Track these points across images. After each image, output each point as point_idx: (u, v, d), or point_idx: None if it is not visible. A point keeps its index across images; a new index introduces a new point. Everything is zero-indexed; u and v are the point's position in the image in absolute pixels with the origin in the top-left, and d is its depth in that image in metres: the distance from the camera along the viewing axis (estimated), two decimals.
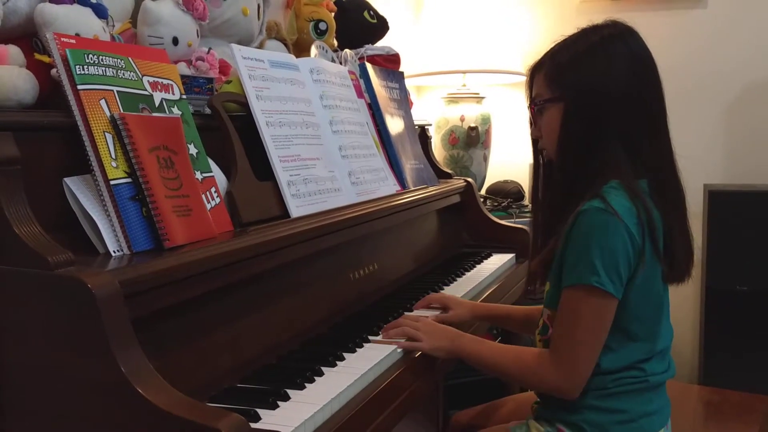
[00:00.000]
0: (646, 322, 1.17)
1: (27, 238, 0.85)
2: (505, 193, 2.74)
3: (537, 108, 1.24)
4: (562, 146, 1.21)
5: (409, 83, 2.12)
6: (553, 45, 1.24)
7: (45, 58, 1.02)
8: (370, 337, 1.25)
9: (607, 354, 1.16)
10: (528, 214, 2.60)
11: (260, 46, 1.58)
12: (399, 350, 1.21)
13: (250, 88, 1.32)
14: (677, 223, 1.19)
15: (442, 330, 1.30)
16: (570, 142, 1.20)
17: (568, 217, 1.14)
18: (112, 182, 0.96)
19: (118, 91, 1.02)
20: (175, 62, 1.24)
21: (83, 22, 1.06)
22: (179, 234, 1.00)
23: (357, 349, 1.19)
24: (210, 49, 1.35)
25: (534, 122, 1.27)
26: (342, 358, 1.14)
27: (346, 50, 1.86)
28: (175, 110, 1.13)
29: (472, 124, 2.74)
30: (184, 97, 1.16)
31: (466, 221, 2.13)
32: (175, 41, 1.27)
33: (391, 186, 1.69)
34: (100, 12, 1.11)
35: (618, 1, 2.84)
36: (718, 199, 2.55)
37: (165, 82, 1.12)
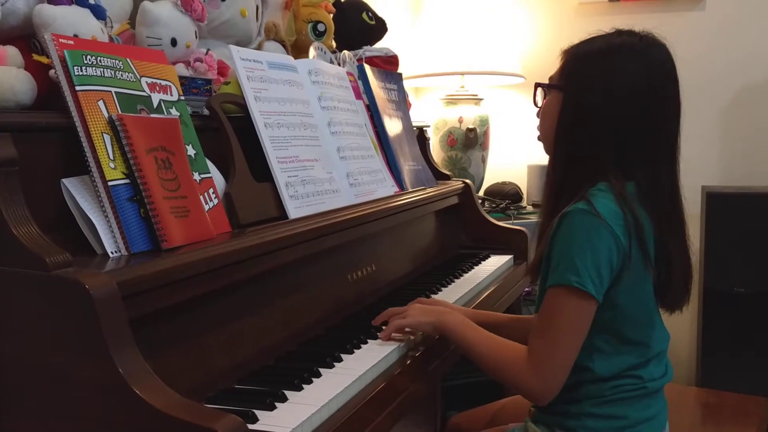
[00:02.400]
0: (638, 325, 1.17)
1: (25, 239, 0.85)
2: (503, 194, 2.74)
3: (544, 89, 1.26)
4: (556, 137, 1.21)
5: (407, 84, 2.13)
6: (589, 35, 1.23)
7: (43, 59, 1.02)
8: (368, 339, 1.25)
9: (600, 358, 1.15)
10: (526, 216, 2.60)
11: (259, 48, 1.58)
12: (398, 348, 1.21)
13: (249, 89, 1.32)
14: (673, 239, 1.17)
15: (430, 307, 1.31)
16: (562, 135, 1.20)
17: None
18: (110, 183, 0.96)
19: (116, 92, 1.02)
20: (174, 63, 1.24)
21: (81, 23, 1.06)
22: (177, 235, 1.00)
23: (355, 350, 1.19)
24: (208, 50, 1.35)
25: (537, 102, 1.28)
26: (340, 360, 1.14)
27: (345, 51, 1.86)
28: (174, 111, 1.13)
29: (471, 126, 2.74)
30: (182, 98, 1.16)
31: (464, 223, 2.13)
32: (174, 42, 1.27)
33: (389, 187, 1.70)
34: (99, 13, 1.11)
35: (616, 2, 2.85)
36: (715, 200, 2.55)
37: (163, 83, 1.12)
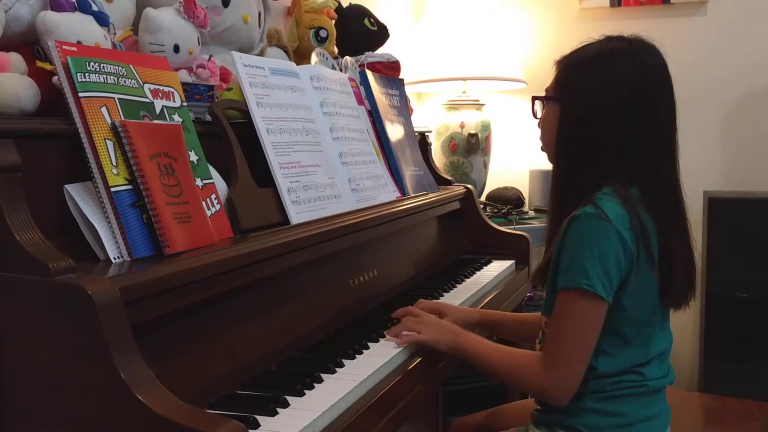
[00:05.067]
0: (640, 326, 1.18)
1: (28, 244, 0.85)
2: (505, 199, 2.74)
3: (541, 101, 1.28)
4: (558, 147, 1.23)
5: (409, 90, 2.13)
6: (579, 44, 1.25)
7: (46, 66, 1.02)
8: (370, 344, 1.25)
9: (604, 358, 1.16)
10: (527, 221, 2.61)
11: (261, 54, 1.58)
12: (400, 353, 1.22)
13: (251, 95, 1.32)
14: (676, 240, 1.18)
15: (445, 325, 1.32)
16: (564, 145, 1.22)
17: (562, 224, 1.16)
18: (112, 189, 0.97)
19: (119, 99, 1.03)
20: (176, 70, 1.24)
21: (85, 29, 1.07)
22: (179, 241, 1.00)
23: (356, 355, 1.19)
24: (211, 56, 1.35)
25: (536, 113, 1.31)
26: (341, 365, 1.14)
27: (347, 57, 1.86)
28: (176, 117, 1.13)
29: (472, 131, 2.74)
30: (184, 104, 1.16)
31: (465, 228, 2.13)
32: (176, 49, 1.27)
33: (391, 193, 1.70)
34: (102, 20, 1.11)
35: (618, 8, 2.85)
36: (717, 206, 2.55)
37: (166, 89, 1.13)
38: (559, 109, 1.22)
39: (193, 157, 1.13)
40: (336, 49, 1.88)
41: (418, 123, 2.14)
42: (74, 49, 0.99)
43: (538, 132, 1.31)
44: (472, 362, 1.27)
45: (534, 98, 1.30)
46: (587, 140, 1.18)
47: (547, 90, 1.27)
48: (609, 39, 1.22)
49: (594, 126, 1.17)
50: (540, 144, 1.31)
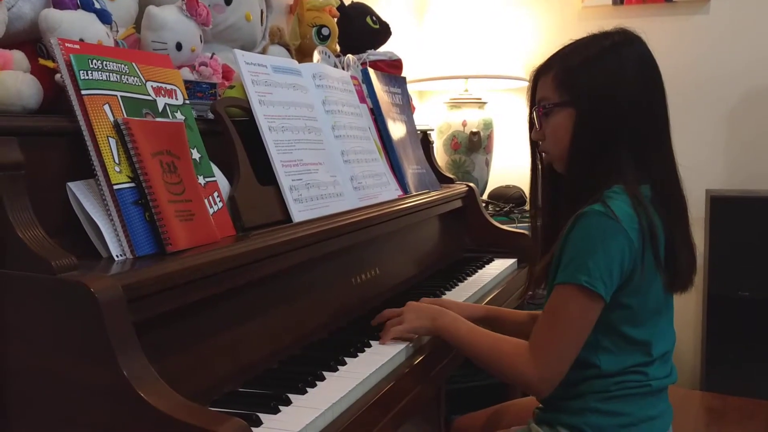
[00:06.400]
0: (643, 327, 1.17)
1: (31, 242, 0.86)
2: (507, 198, 2.74)
3: (544, 111, 1.23)
4: (574, 152, 1.20)
5: (411, 88, 2.13)
6: (561, 48, 1.24)
7: (49, 64, 1.03)
8: (372, 342, 1.25)
9: (606, 355, 1.16)
10: (529, 219, 2.60)
11: (263, 52, 1.58)
12: (402, 351, 1.22)
13: (253, 93, 1.32)
14: (679, 232, 1.19)
15: (425, 309, 1.31)
16: (581, 148, 1.19)
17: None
18: (115, 187, 0.97)
19: (121, 96, 1.03)
20: (179, 67, 1.24)
21: (87, 27, 1.07)
22: (182, 238, 1.01)
23: (359, 353, 1.19)
24: (213, 54, 1.35)
25: (538, 125, 1.26)
26: (344, 363, 1.14)
27: (349, 55, 1.86)
28: (179, 115, 1.13)
29: (474, 129, 2.74)
30: (187, 102, 1.16)
31: (467, 226, 2.13)
32: (179, 46, 1.27)
33: (393, 191, 1.70)
34: (104, 17, 1.11)
35: (620, 6, 2.85)
36: (719, 204, 2.55)
37: (168, 87, 1.13)
38: (574, 113, 1.19)
39: (196, 154, 1.13)
40: (338, 47, 1.88)
41: (421, 121, 2.14)
42: (77, 46, 0.99)
43: (540, 148, 1.29)
44: (453, 345, 1.26)
45: (541, 107, 1.23)
46: (608, 140, 1.17)
47: (543, 98, 1.23)
48: (603, 34, 1.22)
49: (616, 124, 1.16)
50: (543, 155, 1.29)
